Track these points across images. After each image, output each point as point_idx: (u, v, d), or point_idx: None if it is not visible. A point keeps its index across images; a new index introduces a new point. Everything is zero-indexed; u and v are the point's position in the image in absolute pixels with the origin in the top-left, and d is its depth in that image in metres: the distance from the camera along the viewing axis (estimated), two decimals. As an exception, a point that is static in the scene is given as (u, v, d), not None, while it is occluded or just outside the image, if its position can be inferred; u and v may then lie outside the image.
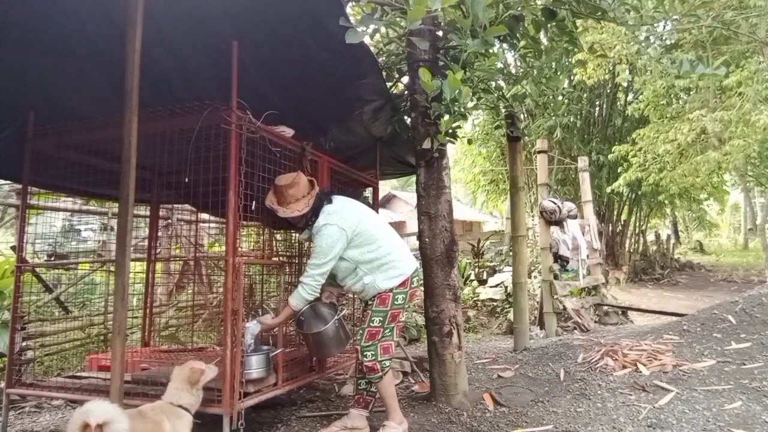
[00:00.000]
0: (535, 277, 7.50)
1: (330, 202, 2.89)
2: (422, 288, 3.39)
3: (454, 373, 3.32)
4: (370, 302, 2.88)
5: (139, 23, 2.24)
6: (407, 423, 2.93)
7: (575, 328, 5.91)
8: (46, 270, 5.62)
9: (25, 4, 2.37)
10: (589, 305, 6.61)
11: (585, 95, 13.06)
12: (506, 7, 3.23)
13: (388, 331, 2.83)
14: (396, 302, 2.82)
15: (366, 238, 2.82)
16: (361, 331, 2.84)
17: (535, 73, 4.24)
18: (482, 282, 8.65)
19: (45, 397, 3.68)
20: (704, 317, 4.46)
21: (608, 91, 13.26)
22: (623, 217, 15.15)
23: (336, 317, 2.94)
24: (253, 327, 2.82)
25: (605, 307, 7.03)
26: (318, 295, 2.85)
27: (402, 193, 25.88)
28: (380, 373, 2.78)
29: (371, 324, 2.80)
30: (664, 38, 9.55)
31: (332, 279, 2.95)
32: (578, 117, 13.12)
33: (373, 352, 2.77)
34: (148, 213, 4.70)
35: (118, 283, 2.30)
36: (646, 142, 10.39)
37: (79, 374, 3.44)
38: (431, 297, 3.39)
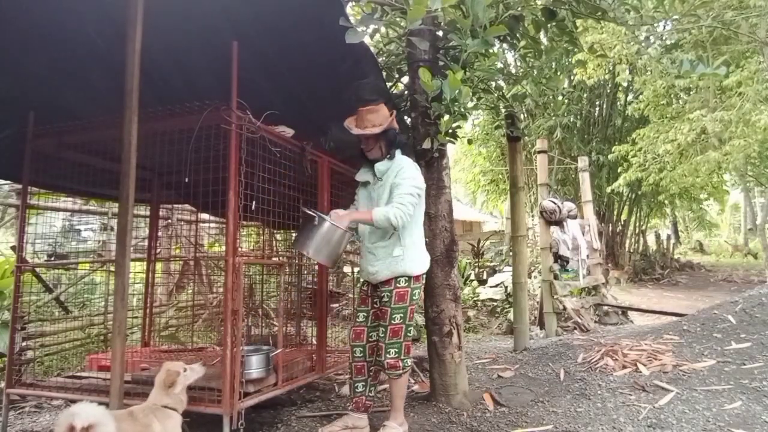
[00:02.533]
0: (535, 277, 7.50)
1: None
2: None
3: (454, 373, 3.32)
4: (385, 297, 2.80)
5: (139, 23, 2.24)
6: (407, 425, 2.92)
7: (575, 328, 5.91)
8: (46, 270, 5.62)
9: (26, 5, 2.37)
10: (589, 305, 6.61)
11: (585, 95, 13.06)
12: (506, 7, 3.23)
13: (409, 329, 2.83)
14: (413, 298, 2.83)
15: (422, 204, 2.91)
16: (383, 329, 2.79)
17: (535, 73, 4.24)
18: (482, 282, 8.65)
19: (45, 397, 3.68)
20: (704, 317, 4.47)
21: (608, 91, 13.27)
22: (623, 217, 15.15)
23: (339, 227, 2.71)
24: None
25: (605, 307, 7.03)
26: (403, 223, 2.71)
27: (402, 193, 25.78)
28: (401, 371, 2.78)
29: (393, 321, 2.77)
30: (664, 38, 9.56)
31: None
32: (578, 117, 13.14)
33: (396, 350, 2.76)
34: (148, 213, 4.70)
35: (118, 283, 2.30)
36: (646, 142, 10.39)
37: (79, 374, 3.44)
38: (431, 297, 3.39)
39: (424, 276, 2.92)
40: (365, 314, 2.96)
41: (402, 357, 2.77)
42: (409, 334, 2.83)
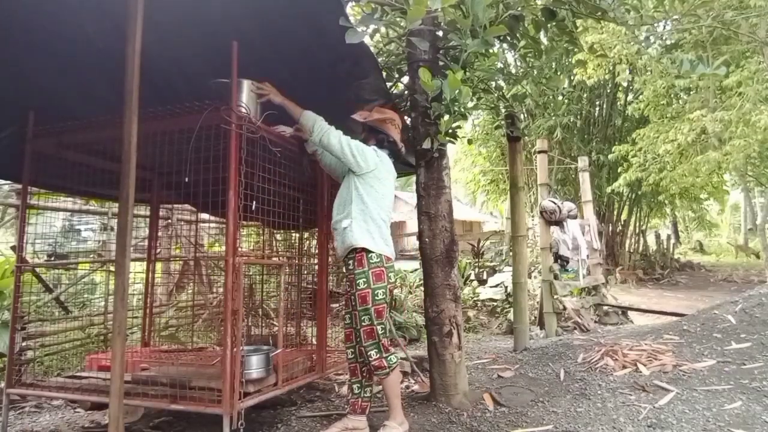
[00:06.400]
0: (535, 277, 7.50)
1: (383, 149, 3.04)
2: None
3: (454, 373, 3.32)
4: (352, 297, 2.82)
5: (139, 23, 2.24)
6: (408, 424, 2.92)
7: (575, 328, 5.91)
8: (46, 270, 5.62)
9: (26, 5, 2.37)
10: (589, 305, 6.61)
11: (585, 95, 13.08)
12: (506, 7, 3.23)
13: (380, 328, 2.78)
14: (377, 298, 2.76)
15: (379, 188, 2.87)
16: (357, 333, 2.83)
17: (535, 73, 4.25)
18: (482, 282, 8.65)
19: (45, 397, 3.68)
20: (704, 317, 4.47)
21: (608, 91, 13.28)
22: (623, 217, 15.17)
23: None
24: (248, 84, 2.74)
25: (605, 307, 7.03)
26: (321, 138, 2.83)
27: (402, 193, 25.83)
28: (387, 369, 2.77)
29: (362, 324, 2.78)
30: (664, 38, 9.57)
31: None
32: (578, 117, 13.15)
33: (376, 350, 2.76)
34: (148, 213, 4.70)
35: (118, 283, 2.30)
36: (646, 142, 10.41)
37: (79, 374, 3.44)
38: (431, 297, 3.39)
39: (389, 275, 2.84)
40: (350, 315, 2.94)
41: (384, 355, 2.77)
42: (381, 331, 2.79)
